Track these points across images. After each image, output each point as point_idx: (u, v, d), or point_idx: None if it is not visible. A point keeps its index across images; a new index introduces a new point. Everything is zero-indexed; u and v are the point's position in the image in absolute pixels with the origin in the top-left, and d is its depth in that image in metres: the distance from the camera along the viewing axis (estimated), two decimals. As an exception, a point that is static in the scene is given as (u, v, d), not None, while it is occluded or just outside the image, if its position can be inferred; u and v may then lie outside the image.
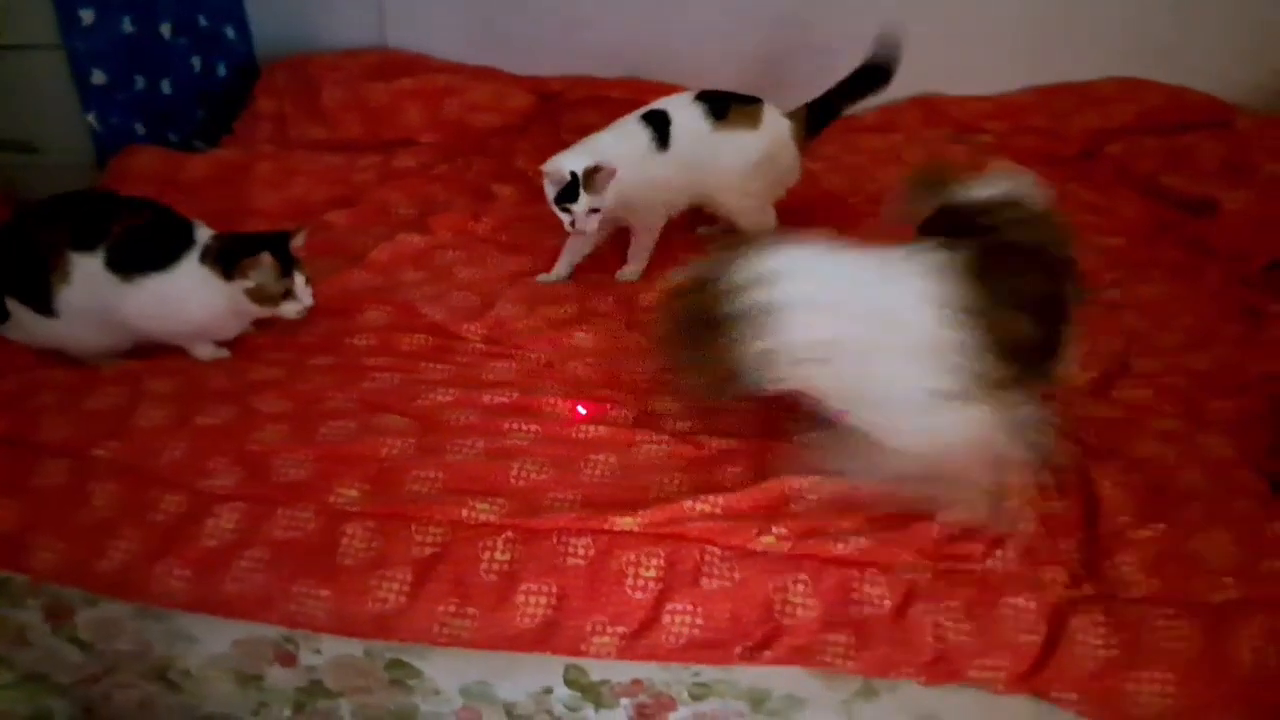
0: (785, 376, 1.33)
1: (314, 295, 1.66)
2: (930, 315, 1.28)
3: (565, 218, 1.80)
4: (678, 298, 1.37)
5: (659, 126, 1.89)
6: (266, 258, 1.58)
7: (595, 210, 1.78)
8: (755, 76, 2.14)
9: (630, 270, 1.97)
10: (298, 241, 1.63)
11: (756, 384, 1.34)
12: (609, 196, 1.79)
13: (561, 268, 1.95)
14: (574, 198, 1.76)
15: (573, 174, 1.75)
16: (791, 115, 1.98)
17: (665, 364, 1.39)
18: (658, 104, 1.94)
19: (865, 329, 1.30)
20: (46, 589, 1.37)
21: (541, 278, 1.94)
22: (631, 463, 1.45)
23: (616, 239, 1.98)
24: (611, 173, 1.77)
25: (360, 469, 1.42)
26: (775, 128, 1.95)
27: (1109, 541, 1.33)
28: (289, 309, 1.63)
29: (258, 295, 1.61)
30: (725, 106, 1.92)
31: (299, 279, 1.62)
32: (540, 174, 1.81)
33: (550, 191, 1.79)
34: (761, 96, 1.97)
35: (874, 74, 1.99)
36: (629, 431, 1.51)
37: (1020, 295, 1.31)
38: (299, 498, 1.38)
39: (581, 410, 1.57)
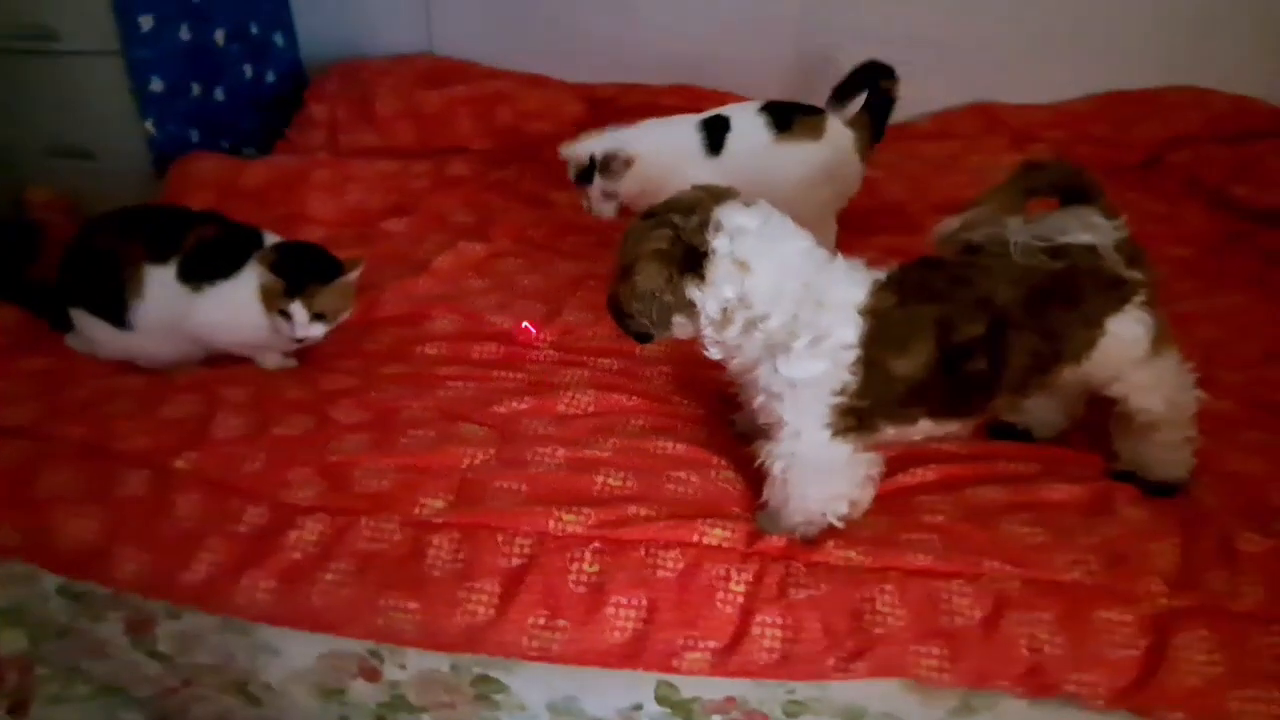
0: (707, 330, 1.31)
1: (331, 335, 1.64)
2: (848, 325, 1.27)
3: (584, 202, 1.86)
4: (655, 225, 1.29)
5: (715, 132, 1.88)
6: (267, 271, 1.56)
7: (611, 195, 1.83)
8: (810, 85, 2.11)
9: None
10: (339, 282, 1.60)
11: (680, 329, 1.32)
12: (628, 184, 1.82)
13: None
14: (590, 180, 1.82)
15: (591, 158, 1.81)
16: (853, 124, 1.96)
17: (621, 288, 1.31)
18: (723, 110, 1.93)
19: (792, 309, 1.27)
20: (129, 601, 1.35)
21: None
22: (714, 476, 1.43)
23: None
24: (628, 161, 1.80)
25: (443, 479, 1.39)
26: (838, 139, 1.93)
27: (1210, 553, 1.31)
28: (282, 326, 1.59)
29: (262, 296, 1.59)
30: (790, 117, 1.90)
31: (300, 310, 1.57)
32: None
33: (571, 172, 1.86)
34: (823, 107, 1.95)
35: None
36: (708, 445, 1.49)
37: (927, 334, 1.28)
38: (382, 508, 1.36)
39: (530, 329, 1.69)
